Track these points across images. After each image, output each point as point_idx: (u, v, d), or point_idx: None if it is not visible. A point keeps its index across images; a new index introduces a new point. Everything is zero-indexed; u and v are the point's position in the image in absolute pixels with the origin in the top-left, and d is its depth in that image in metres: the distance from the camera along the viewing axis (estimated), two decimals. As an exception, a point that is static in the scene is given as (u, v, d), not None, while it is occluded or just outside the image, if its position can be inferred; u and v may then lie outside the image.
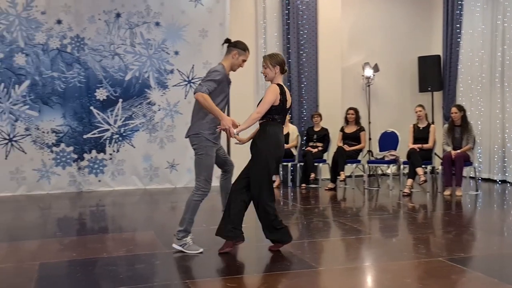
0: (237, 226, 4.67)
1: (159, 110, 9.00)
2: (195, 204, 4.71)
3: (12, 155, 8.40)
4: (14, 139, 8.41)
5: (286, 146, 9.07)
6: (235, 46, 4.76)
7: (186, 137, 4.79)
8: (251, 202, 4.76)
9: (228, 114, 4.80)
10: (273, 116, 4.60)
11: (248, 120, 4.56)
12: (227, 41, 4.85)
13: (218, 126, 4.53)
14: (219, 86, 4.62)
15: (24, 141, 8.45)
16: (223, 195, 4.98)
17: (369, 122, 10.21)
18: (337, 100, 9.89)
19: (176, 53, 9.01)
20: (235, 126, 4.50)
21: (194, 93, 4.55)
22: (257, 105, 4.64)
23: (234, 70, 4.85)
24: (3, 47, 8.31)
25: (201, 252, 4.65)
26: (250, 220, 6.30)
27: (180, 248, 4.68)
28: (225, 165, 5.03)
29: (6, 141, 8.38)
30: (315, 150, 9.10)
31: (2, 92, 8.33)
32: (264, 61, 4.70)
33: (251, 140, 4.79)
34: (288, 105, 4.67)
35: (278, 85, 4.60)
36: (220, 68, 4.68)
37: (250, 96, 9.45)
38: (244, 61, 4.80)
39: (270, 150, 4.63)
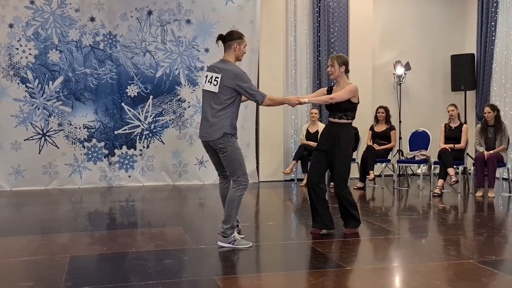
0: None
1: (189, 107, 9.06)
2: (240, 199, 4.73)
3: (45, 150, 8.57)
4: (48, 134, 8.59)
5: (315, 144, 9.09)
6: (231, 39, 4.78)
7: (207, 140, 4.76)
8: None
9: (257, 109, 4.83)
10: (353, 115, 5.22)
11: (319, 99, 5.22)
12: (220, 37, 4.82)
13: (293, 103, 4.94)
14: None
15: (57, 136, 8.62)
16: (223, 202, 4.97)
17: (400, 121, 10.09)
18: (367, 98, 9.78)
19: (207, 50, 9.06)
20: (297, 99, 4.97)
21: (261, 104, 4.70)
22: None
23: (240, 60, 4.89)
24: (38, 44, 8.48)
25: (250, 246, 4.71)
26: (277, 219, 6.31)
27: (229, 245, 4.68)
28: (222, 171, 4.99)
29: (40, 136, 8.56)
30: (344, 148, 9.03)
31: (37, 88, 8.51)
32: (331, 60, 5.16)
33: (329, 137, 5.17)
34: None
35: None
36: (237, 67, 4.76)
37: (279, 92, 9.43)
38: (245, 47, 4.86)
39: (351, 148, 5.31)
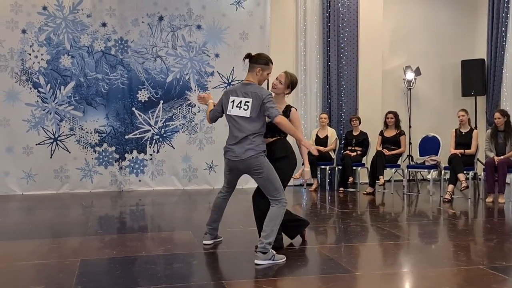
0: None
1: (199, 111, 9.11)
2: (282, 215, 4.58)
3: (56, 154, 8.65)
4: (59, 138, 8.66)
5: (324, 149, 9.11)
6: (256, 62, 4.64)
7: (239, 159, 4.57)
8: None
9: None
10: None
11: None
12: (248, 56, 4.69)
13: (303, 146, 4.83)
14: None
15: (68, 141, 8.69)
16: (216, 211, 5.04)
17: (410, 126, 10.07)
18: (377, 103, 9.80)
19: (217, 55, 9.11)
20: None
21: (273, 118, 4.44)
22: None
23: (261, 85, 4.74)
24: (50, 49, 8.56)
25: (285, 260, 4.50)
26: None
27: (269, 261, 4.39)
28: (231, 187, 5.02)
29: (52, 140, 8.64)
30: (354, 154, 9.03)
31: (49, 93, 8.59)
32: (285, 76, 4.92)
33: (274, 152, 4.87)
34: None
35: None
36: (263, 88, 4.63)
37: (288, 98, 9.42)
38: (268, 74, 4.70)
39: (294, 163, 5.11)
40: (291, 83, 4.92)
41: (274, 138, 4.87)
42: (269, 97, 4.52)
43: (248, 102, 4.53)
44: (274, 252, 4.49)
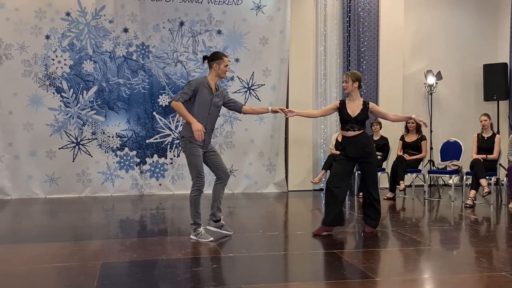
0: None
1: (218, 116, 9.11)
2: (195, 199, 5.46)
3: (79, 158, 8.76)
4: (81, 142, 8.77)
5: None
6: (212, 60, 5.40)
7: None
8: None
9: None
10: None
11: (306, 113, 6.36)
12: (204, 58, 5.50)
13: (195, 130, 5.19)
14: (194, 95, 5.30)
15: (90, 145, 8.80)
16: (214, 199, 5.73)
17: (431, 131, 9.98)
18: (398, 108, 9.71)
19: (237, 60, 9.15)
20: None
21: (170, 102, 5.10)
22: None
23: (223, 77, 5.69)
24: (73, 55, 8.69)
25: (211, 241, 5.30)
26: (306, 228, 6.30)
27: (195, 239, 5.38)
28: (218, 172, 5.68)
29: (74, 144, 8.75)
30: (374, 158, 8.98)
31: (71, 97, 8.71)
32: (346, 77, 5.74)
33: (357, 147, 5.73)
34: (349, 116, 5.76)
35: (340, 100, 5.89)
36: (195, 80, 5.44)
37: (308, 102, 9.46)
38: (226, 66, 5.43)
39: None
40: (355, 78, 5.70)
41: (360, 131, 5.75)
42: (186, 84, 5.39)
43: None
44: (203, 232, 5.42)
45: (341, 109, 5.78)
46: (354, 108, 5.74)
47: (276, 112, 5.88)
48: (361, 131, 5.74)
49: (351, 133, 5.74)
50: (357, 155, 5.73)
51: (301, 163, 9.55)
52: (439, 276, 4.29)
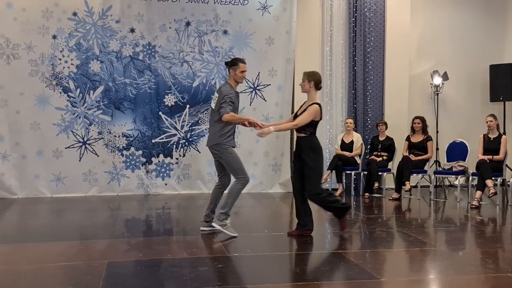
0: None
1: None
2: (238, 192, 5.66)
3: (85, 158, 8.79)
4: (88, 142, 8.81)
5: (349, 154, 9.09)
6: (230, 66, 5.71)
7: (207, 146, 5.84)
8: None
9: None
10: (312, 130, 5.59)
11: (284, 126, 5.90)
12: (225, 63, 5.87)
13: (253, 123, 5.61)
14: (233, 103, 5.61)
15: (97, 144, 8.83)
16: (212, 201, 5.83)
17: (437, 132, 9.96)
18: (403, 108, 9.72)
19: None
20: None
21: (221, 116, 5.52)
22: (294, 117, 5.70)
23: (241, 82, 5.81)
24: (80, 54, 8.72)
25: (235, 236, 5.45)
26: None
27: (219, 227, 5.58)
28: (224, 176, 5.87)
29: (81, 144, 8.79)
30: (379, 159, 8.98)
31: (78, 97, 8.75)
32: (303, 76, 5.65)
33: (300, 151, 5.58)
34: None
35: (319, 105, 5.56)
36: (226, 89, 5.62)
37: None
38: (243, 71, 5.67)
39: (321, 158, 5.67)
40: (311, 78, 5.60)
41: (301, 134, 5.62)
42: (225, 97, 5.53)
43: (215, 97, 5.71)
44: (229, 224, 5.60)
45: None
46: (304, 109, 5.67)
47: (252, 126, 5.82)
48: (305, 134, 5.58)
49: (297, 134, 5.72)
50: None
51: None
52: (445, 277, 4.29)
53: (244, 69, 5.68)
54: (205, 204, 8.11)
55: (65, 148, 8.72)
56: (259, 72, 9.21)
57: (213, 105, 5.74)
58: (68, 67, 8.68)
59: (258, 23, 9.20)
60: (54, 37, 8.61)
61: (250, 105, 9.18)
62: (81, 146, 8.79)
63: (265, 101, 9.23)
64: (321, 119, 5.64)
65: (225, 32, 9.13)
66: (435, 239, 5.79)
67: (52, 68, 8.62)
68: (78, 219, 6.88)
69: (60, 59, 8.64)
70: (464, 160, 8.45)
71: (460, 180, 8.45)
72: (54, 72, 8.63)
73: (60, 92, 8.67)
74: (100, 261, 4.57)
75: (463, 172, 8.39)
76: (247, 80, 9.19)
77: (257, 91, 9.24)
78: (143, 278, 4.16)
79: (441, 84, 10.00)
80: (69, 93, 8.70)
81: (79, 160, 8.77)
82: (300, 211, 5.71)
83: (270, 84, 9.28)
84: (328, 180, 9.11)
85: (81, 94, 8.75)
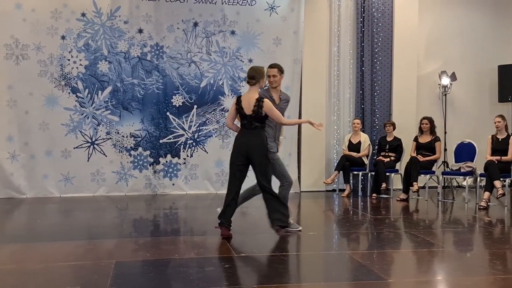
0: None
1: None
2: (287, 194, 5.82)
3: (93, 158, 8.83)
4: (96, 142, 8.85)
5: (357, 155, 9.07)
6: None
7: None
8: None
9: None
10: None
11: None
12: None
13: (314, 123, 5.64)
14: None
15: (105, 144, 8.87)
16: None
17: (445, 132, 9.92)
18: (411, 109, 9.69)
19: (250, 60, 9.17)
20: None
21: (281, 124, 5.71)
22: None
23: (271, 86, 5.86)
24: (89, 55, 8.77)
25: (300, 230, 5.75)
26: (318, 229, 6.30)
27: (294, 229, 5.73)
28: (283, 179, 5.88)
29: (89, 144, 8.83)
30: (387, 159, 8.96)
31: (86, 97, 8.79)
32: (278, 70, 5.80)
33: (251, 143, 5.49)
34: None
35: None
36: (265, 96, 5.67)
37: (321, 102, 9.47)
38: (269, 76, 5.77)
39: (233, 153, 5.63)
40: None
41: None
42: (267, 106, 5.53)
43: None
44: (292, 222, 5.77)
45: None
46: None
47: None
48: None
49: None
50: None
51: (314, 164, 9.54)
52: (453, 278, 4.28)
53: (270, 73, 5.82)
54: (212, 204, 8.16)
55: (74, 148, 8.76)
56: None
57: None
58: (77, 68, 8.72)
59: (266, 23, 9.21)
60: (63, 37, 8.65)
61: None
62: (89, 146, 8.82)
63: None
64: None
65: (232, 32, 9.14)
66: (443, 240, 5.76)
67: (61, 68, 8.66)
68: (86, 219, 6.91)
69: (68, 60, 8.68)
70: (472, 161, 8.41)
71: (468, 181, 8.41)
72: (62, 72, 8.67)
73: (69, 93, 8.72)
74: (108, 261, 4.59)
75: (471, 173, 8.35)
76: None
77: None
78: (150, 277, 4.18)
79: (449, 84, 9.96)
80: (78, 94, 8.74)
81: (87, 160, 8.81)
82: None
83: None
84: (336, 181, 9.10)
85: (89, 95, 8.79)
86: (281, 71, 5.85)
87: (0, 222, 6.89)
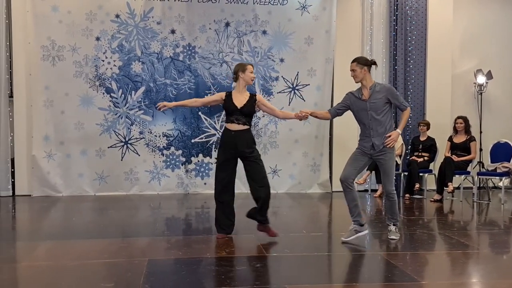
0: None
1: (263, 116, 9.18)
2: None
3: (127, 157, 8.96)
4: (130, 142, 8.97)
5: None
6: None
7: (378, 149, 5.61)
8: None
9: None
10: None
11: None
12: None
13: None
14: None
15: (138, 144, 8.99)
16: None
17: (481, 132, 9.73)
18: (446, 108, 9.54)
19: (282, 60, 9.16)
20: None
21: (405, 109, 5.57)
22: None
23: (356, 82, 5.73)
24: (122, 56, 8.90)
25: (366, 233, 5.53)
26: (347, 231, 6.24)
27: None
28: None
29: (122, 143, 8.96)
30: (421, 159, 8.83)
31: (120, 97, 8.92)
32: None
33: (246, 143, 5.88)
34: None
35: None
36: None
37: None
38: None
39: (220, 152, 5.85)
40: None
41: (248, 127, 5.76)
42: (398, 95, 5.72)
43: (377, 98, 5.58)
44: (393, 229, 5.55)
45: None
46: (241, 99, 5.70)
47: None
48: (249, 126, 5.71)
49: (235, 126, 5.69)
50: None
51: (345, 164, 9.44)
52: (488, 280, 4.19)
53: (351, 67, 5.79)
54: (243, 204, 8.18)
55: (108, 147, 8.90)
56: (298, 72, 9.19)
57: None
58: (111, 68, 8.85)
59: (297, 22, 9.18)
60: (98, 39, 8.80)
61: (289, 105, 9.17)
62: (123, 146, 8.96)
63: (304, 101, 9.20)
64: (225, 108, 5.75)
65: (264, 32, 9.15)
66: (478, 242, 5.65)
67: (95, 69, 8.81)
68: (120, 217, 7.01)
69: (103, 61, 8.82)
70: (509, 161, 8.22)
71: (504, 182, 8.23)
72: (97, 73, 8.82)
73: (103, 93, 8.86)
74: (141, 259, 4.66)
75: (508, 173, 8.16)
76: (286, 80, 9.19)
77: (296, 91, 9.22)
78: (182, 276, 4.22)
79: (485, 83, 9.76)
80: (112, 94, 8.88)
81: (121, 160, 8.94)
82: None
83: (309, 84, 9.25)
84: (368, 181, 9.02)
85: (123, 95, 8.92)
86: (361, 63, 5.50)
87: (37, 220, 7.06)
